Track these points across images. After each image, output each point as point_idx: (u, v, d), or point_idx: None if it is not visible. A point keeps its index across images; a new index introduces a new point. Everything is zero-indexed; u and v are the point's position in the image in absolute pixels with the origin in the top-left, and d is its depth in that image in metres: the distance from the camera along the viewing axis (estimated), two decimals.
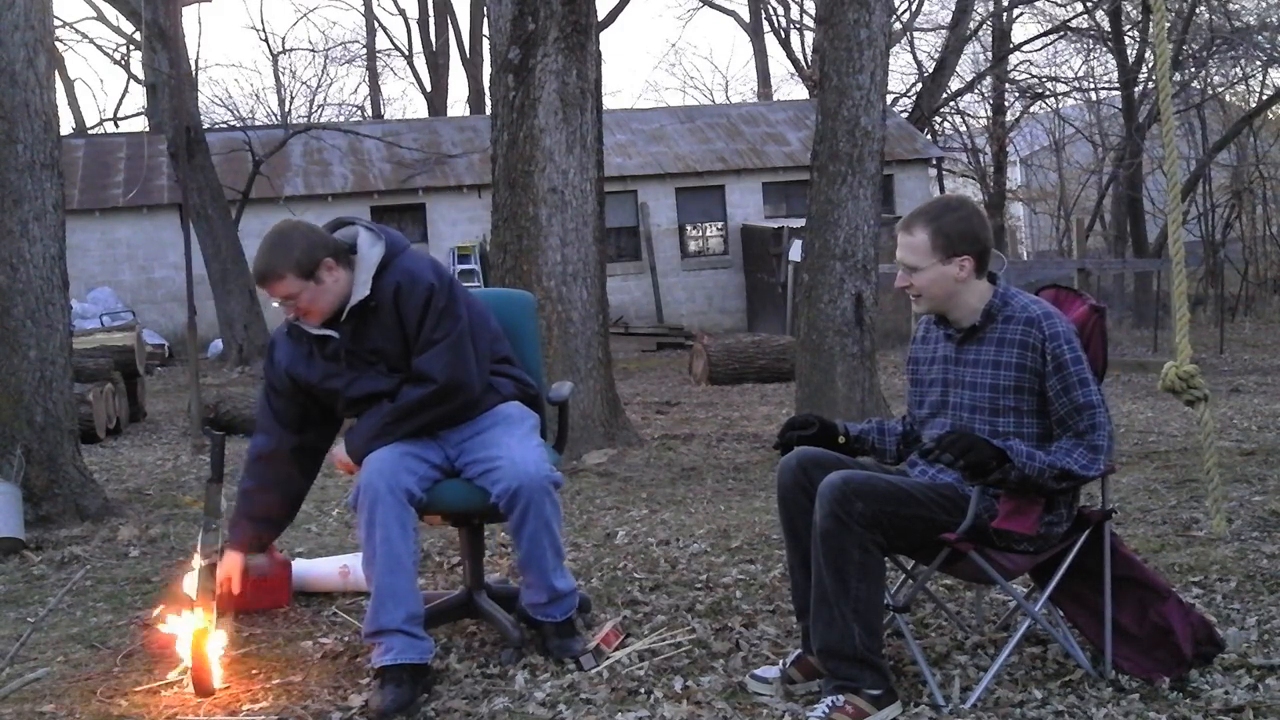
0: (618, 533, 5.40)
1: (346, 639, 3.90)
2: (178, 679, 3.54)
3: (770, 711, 3.14)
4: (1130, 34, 23.99)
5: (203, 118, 20.74)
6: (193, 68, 21.16)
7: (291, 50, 51.10)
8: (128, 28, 28.85)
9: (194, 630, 3.47)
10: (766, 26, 31.94)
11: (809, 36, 28.65)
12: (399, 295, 3.49)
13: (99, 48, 45.73)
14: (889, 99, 21.11)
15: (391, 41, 40.98)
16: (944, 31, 27.61)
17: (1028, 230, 36.20)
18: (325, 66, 54.59)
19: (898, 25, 25.70)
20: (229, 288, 17.13)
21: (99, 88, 77.35)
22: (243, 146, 19.10)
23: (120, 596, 4.63)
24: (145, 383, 12.29)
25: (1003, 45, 27.48)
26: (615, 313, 18.73)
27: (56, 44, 24.54)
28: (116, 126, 32.18)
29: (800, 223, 14.80)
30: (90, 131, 29.60)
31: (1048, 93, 27.92)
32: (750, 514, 5.71)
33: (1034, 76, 28.11)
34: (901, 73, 32.51)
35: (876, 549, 3.02)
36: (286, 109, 33.22)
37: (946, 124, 29.23)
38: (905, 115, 26.15)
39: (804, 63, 28.64)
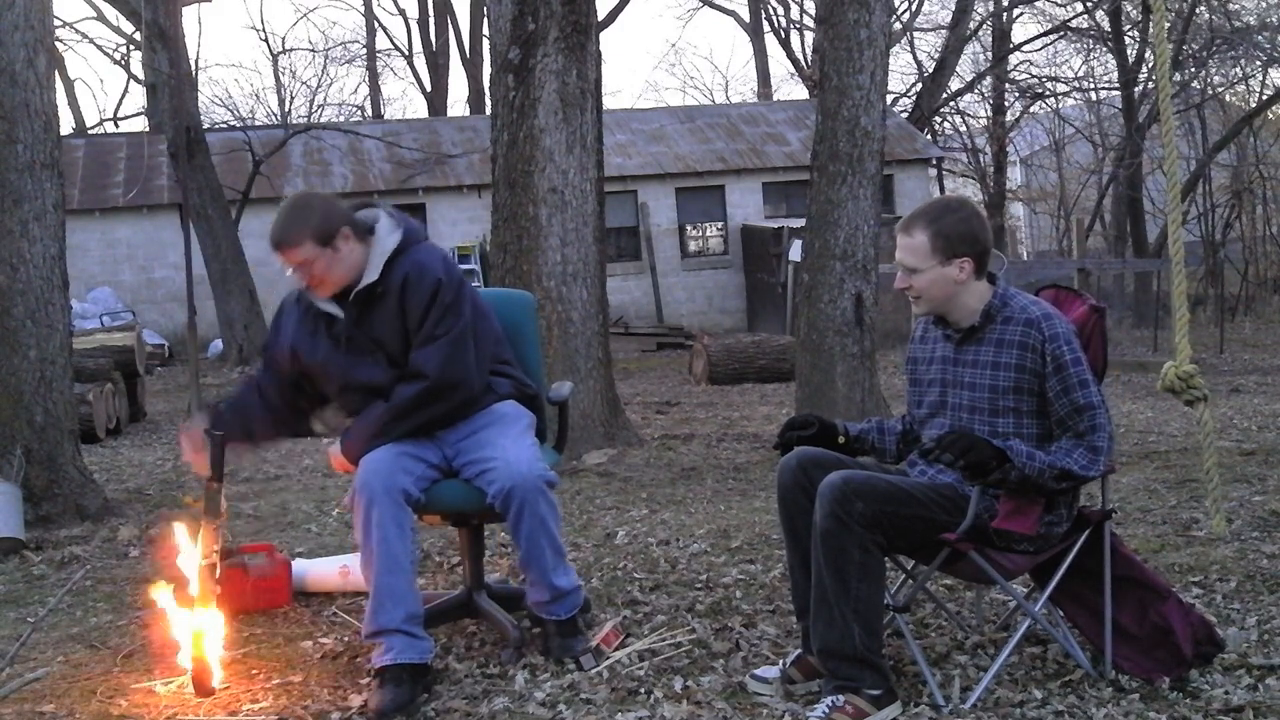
0: (618, 533, 5.40)
1: (346, 639, 3.90)
2: (181, 668, 3.53)
3: (770, 711, 3.14)
4: (1130, 34, 24.00)
5: (203, 118, 20.74)
6: (193, 68, 21.20)
7: (291, 50, 51.14)
8: (128, 28, 28.88)
9: (193, 624, 3.47)
10: (766, 26, 31.96)
11: (809, 36, 28.67)
12: (406, 285, 3.49)
13: (99, 48, 45.80)
14: (889, 99, 21.09)
15: (391, 41, 40.98)
16: (944, 31, 27.62)
17: (1028, 230, 36.20)
18: (325, 66, 54.61)
19: (898, 25, 25.70)
20: (229, 288, 17.14)
21: (99, 88, 77.54)
22: (243, 146, 19.10)
23: (120, 596, 4.63)
24: (145, 383, 12.29)
25: (1003, 45, 27.48)
26: (615, 313, 18.72)
27: (56, 44, 24.53)
28: (116, 126, 32.22)
29: (800, 223, 14.80)
30: (90, 131, 29.61)
31: (1048, 93, 27.93)
32: (750, 514, 5.71)
33: (1034, 76, 28.15)
34: (901, 73, 32.54)
35: (876, 549, 3.02)
36: (286, 109, 33.24)
37: (946, 124, 29.25)
38: (905, 115, 26.15)
39: (804, 63, 28.64)
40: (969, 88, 27.91)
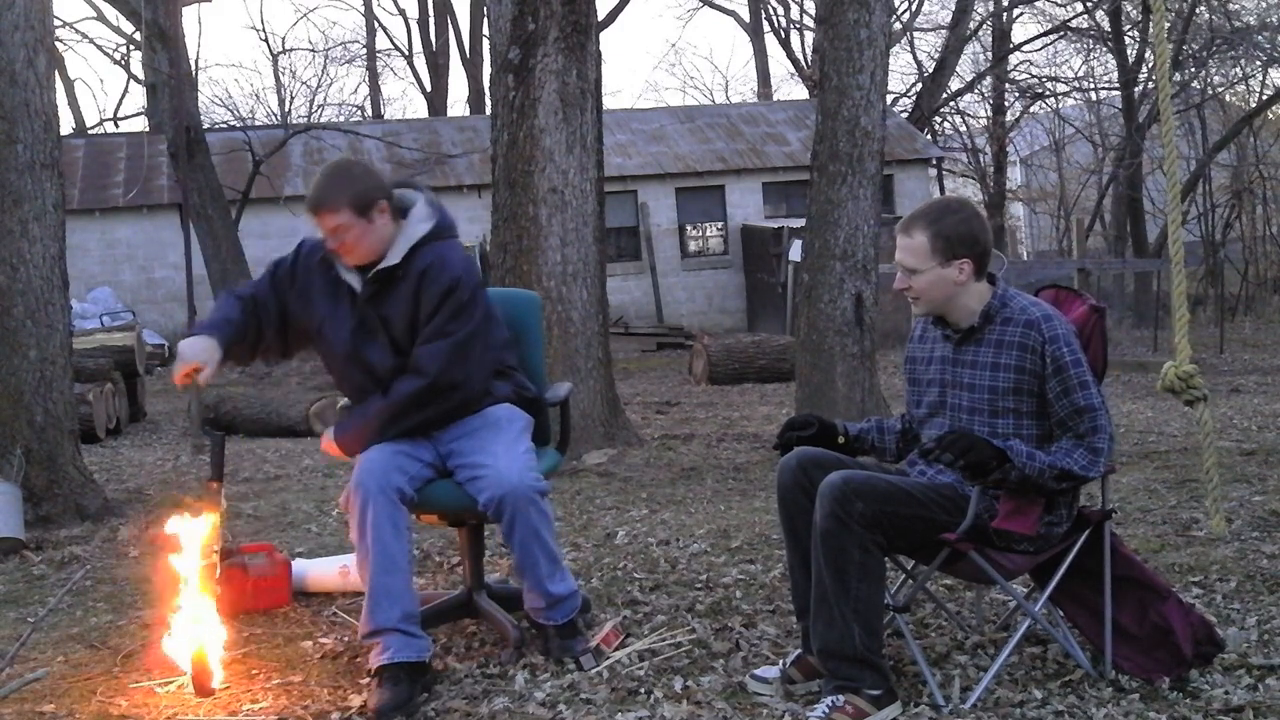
0: (618, 533, 5.40)
1: (346, 639, 3.90)
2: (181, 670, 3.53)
3: (770, 711, 3.14)
4: (1130, 34, 23.99)
5: (203, 118, 20.75)
6: (193, 68, 21.20)
7: (291, 50, 51.07)
8: (128, 28, 28.84)
9: (193, 624, 3.47)
10: (766, 26, 31.95)
11: (809, 36, 28.67)
12: (426, 274, 3.49)
13: (99, 48, 45.67)
14: (889, 99, 21.10)
15: (391, 41, 40.95)
16: (944, 31, 27.62)
17: (1028, 230, 36.19)
18: (325, 66, 54.58)
19: (898, 25, 25.69)
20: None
21: (99, 88, 77.59)
22: (243, 146, 19.10)
23: (120, 596, 4.63)
24: (145, 383, 12.30)
25: (1003, 45, 27.47)
26: (615, 313, 18.72)
27: (56, 44, 24.53)
28: (116, 126, 32.19)
29: (800, 223, 14.80)
30: (90, 131, 29.59)
31: (1048, 93, 27.92)
32: (750, 514, 5.71)
33: (1034, 76, 28.14)
34: (901, 73, 32.54)
35: (876, 549, 3.02)
36: (286, 109, 33.21)
37: (946, 124, 29.24)
38: (905, 115, 26.15)
39: (804, 63, 28.63)
40: (969, 88, 27.91)
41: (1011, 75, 27.92)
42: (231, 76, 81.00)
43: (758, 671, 3.33)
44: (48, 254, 6.20)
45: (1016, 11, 27.88)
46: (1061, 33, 26.45)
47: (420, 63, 33.54)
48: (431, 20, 32.16)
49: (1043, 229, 34.06)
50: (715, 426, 9.47)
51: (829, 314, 8.02)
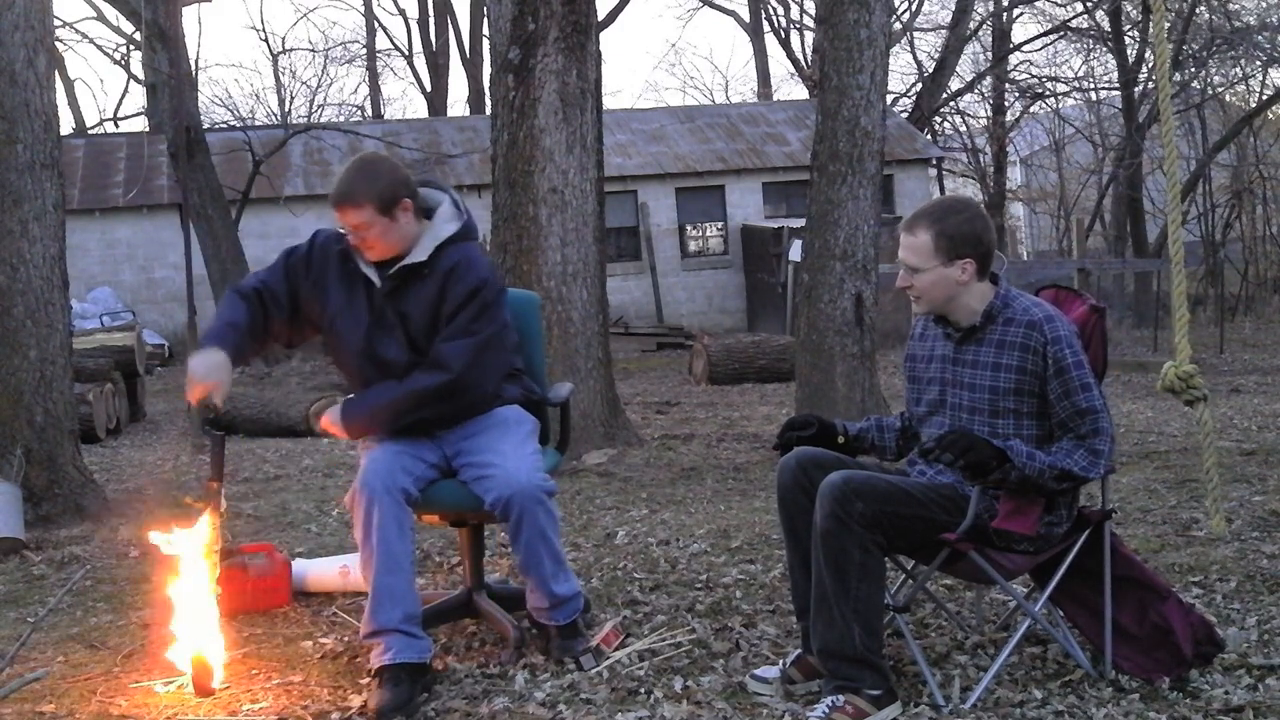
0: (618, 533, 5.40)
1: (346, 639, 3.90)
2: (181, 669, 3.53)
3: (770, 711, 3.14)
4: (1130, 34, 23.98)
5: (203, 118, 20.73)
6: (193, 68, 21.17)
7: (291, 50, 51.04)
8: (128, 28, 28.82)
9: (193, 624, 3.47)
10: (766, 26, 31.92)
11: (809, 36, 28.64)
12: (453, 272, 3.49)
13: (99, 48, 45.60)
14: (889, 99, 21.10)
15: (391, 41, 40.89)
16: (944, 31, 27.60)
17: (1028, 230, 36.17)
18: (325, 66, 54.51)
19: (898, 25, 25.68)
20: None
21: (99, 88, 77.42)
22: (243, 146, 19.09)
23: (120, 596, 4.63)
24: (145, 383, 12.30)
25: (1003, 45, 27.46)
26: (615, 313, 18.71)
27: (56, 44, 24.52)
28: (116, 126, 32.16)
29: (800, 223, 14.80)
30: (90, 131, 29.57)
31: (1048, 93, 27.91)
32: (750, 514, 5.71)
33: (1034, 76, 28.11)
34: (901, 73, 32.50)
35: (876, 549, 3.02)
36: (286, 109, 33.17)
37: (946, 124, 29.22)
38: (905, 115, 26.14)
39: (804, 63, 28.62)
40: (969, 88, 27.90)
41: (1011, 75, 27.91)
42: (231, 76, 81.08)
43: (758, 671, 3.33)
44: (48, 254, 6.20)
45: (1016, 11, 27.88)
46: (1061, 33, 26.45)
47: (420, 63, 33.56)
48: (431, 20, 32.15)
49: (1043, 229, 34.06)
50: (715, 426, 9.47)
51: (829, 314, 8.02)
